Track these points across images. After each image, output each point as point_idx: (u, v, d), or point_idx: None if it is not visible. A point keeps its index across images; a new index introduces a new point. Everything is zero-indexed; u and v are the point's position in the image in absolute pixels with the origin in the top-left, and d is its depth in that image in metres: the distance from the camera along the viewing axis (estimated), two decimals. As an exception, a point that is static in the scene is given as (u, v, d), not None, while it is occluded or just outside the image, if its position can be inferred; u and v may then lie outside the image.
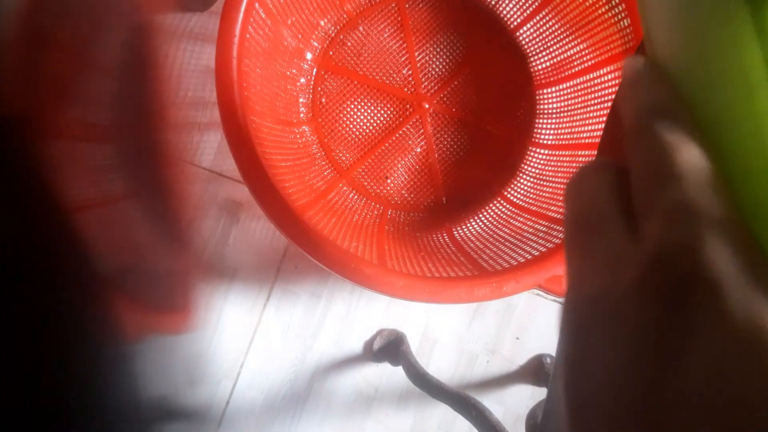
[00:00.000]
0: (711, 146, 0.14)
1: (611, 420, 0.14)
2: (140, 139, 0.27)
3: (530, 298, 0.72)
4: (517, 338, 0.72)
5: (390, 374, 0.70)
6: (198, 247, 0.65)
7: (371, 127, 0.63)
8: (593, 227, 0.16)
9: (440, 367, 0.71)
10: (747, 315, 0.12)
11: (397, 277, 0.45)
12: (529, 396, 0.73)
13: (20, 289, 0.22)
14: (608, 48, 0.56)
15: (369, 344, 0.69)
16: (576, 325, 0.15)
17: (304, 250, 0.44)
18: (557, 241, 0.50)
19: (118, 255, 0.25)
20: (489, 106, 0.64)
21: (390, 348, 0.68)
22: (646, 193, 0.14)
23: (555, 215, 0.55)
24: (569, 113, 0.62)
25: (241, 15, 0.47)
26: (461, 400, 0.55)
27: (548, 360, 0.72)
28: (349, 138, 0.63)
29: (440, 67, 0.64)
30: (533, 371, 0.72)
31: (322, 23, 0.61)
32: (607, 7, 0.55)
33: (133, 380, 0.25)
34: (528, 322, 0.72)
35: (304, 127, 0.61)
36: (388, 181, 0.63)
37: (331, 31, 0.62)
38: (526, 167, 0.63)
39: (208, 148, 0.67)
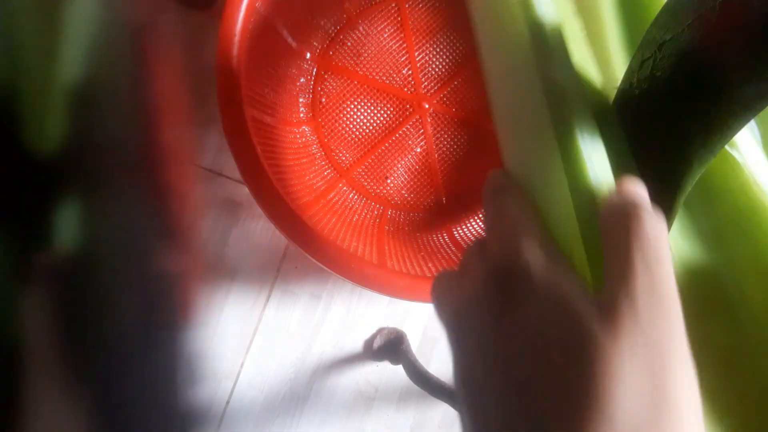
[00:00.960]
0: (534, 203, 0.22)
1: (485, 384, 0.19)
2: (139, 138, 0.27)
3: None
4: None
5: (390, 374, 0.70)
6: (198, 246, 0.65)
7: (371, 127, 0.63)
8: (463, 268, 0.23)
9: (441, 367, 0.70)
10: (549, 284, 0.19)
11: (398, 278, 0.45)
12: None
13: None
14: (608, 48, 0.56)
15: (369, 343, 0.69)
16: (453, 326, 0.22)
17: (304, 250, 0.44)
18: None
19: (116, 252, 0.25)
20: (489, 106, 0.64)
21: (390, 346, 0.68)
22: (489, 230, 0.23)
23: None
24: (569, 113, 0.61)
25: (241, 14, 0.47)
26: (462, 400, 0.55)
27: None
28: (349, 138, 0.63)
29: (440, 67, 0.64)
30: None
31: (322, 23, 0.61)
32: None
33: (131, 379, 0.25)
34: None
35: (303, 127, 0.61)
36: (388, 181, 0.63)
37: (331, 31, 0.62)
38: (526, 167, 0.63)
39: (208, 148, 0.67)
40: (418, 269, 0.50)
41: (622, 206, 0.19)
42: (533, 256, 0.19)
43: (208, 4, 0.65)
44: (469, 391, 0.20)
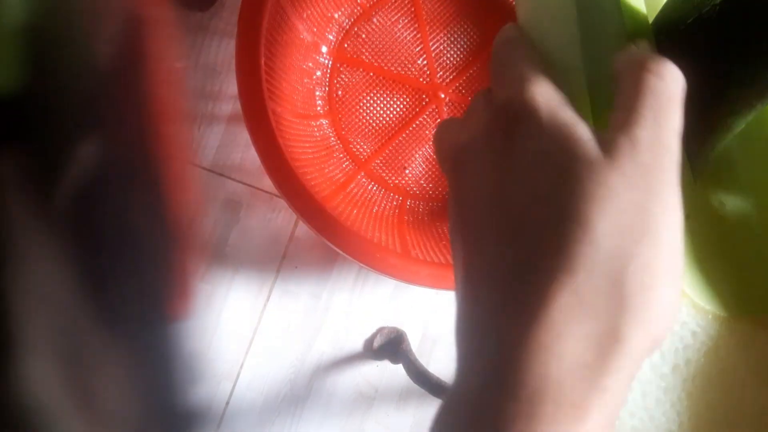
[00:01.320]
0: (540, 54, 0.22)
1: (479, 212, 0.20)
2: (137, 132, 0.27)
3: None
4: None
5: (390, 374, 0.70)
6: (197, 243, 0.65)
7: (388, 118, 0.63)
8: (467, 114, 0.23)
9: (440, 367, 0.70)
10: (553, 118, 0.19)
11: (423, 266, 0.45)
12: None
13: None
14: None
15: (369, 342, 0.69)
16: (453, 165, 0.22)
17: (330, 241, 0.44)
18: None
19: (109, 242, 0.25)
20: None
21: (390, 346, 0.68)
22: (494, 77, 0.22)
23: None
24: (585, 98, 0.61)
25: (260, 9, 0.47)
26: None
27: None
28: (366, 129, 0.63)
29: (455, 56, 0.64)
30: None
31: (336, 15, 0.62)
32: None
33: (131, 378, 0.25)
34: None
35: (321, 120, 0.62)
36: (406, 171, 0.63)
37: (345, 24, 0.62)
38: (543, 154, 0.63)
39: (208, 148, 0.67)
40: (441, 258, 0.50)
41: (642, 57, 0.19)
42: (539, 94, 0.19)
43: (208, 3, 0.66)
44: (462, 221, 0.21)
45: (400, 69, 0.63)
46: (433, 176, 0.64)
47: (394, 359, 0.67)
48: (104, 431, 0.24)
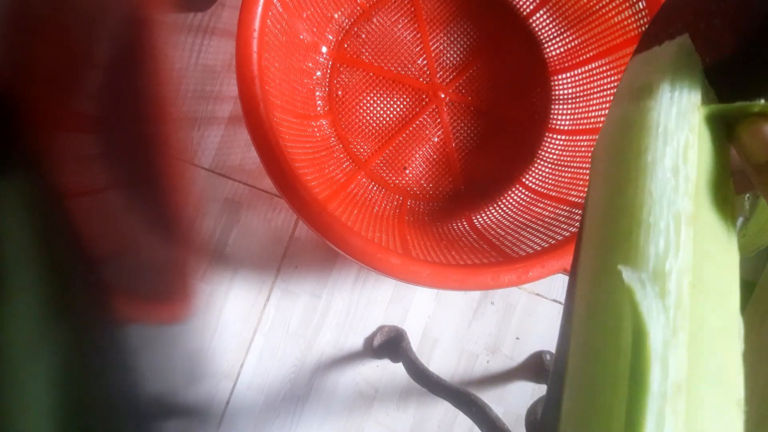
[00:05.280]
0: None
1: None
2: (137, 133, 0.27)
3: (530, 298, 0.72)
4: (517, 338, 0.72)
5: (390, 374, 0.70)
6: (197, 243, 0.65)
7: (388, 119, 0.63)
8: None
9: (440, 366, 0.71)
10: None
11: (423, 266, 0.45)
12: (529, 395, 0.72)
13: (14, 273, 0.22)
14: (623, 32, 0.56)
15: (369, 340, 0.69)
16: None
17: (331, 242, 0.44)
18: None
19: (109, 242, 0.25)
20: (505, 93, 0.64)
21: (390, 344, 0.68)
22: None
23: (576, 200, 0.55)
24: (585, 98, 0.62)
25: (260, 9, 0.47)
26: (461, 396, 0.55)
27: (548, 357, 0.71)
28: (367, 130, 0.63)
29: (455, 56, 0.64)
30: (533, 368, 0.72)
31: (336, 16, 0.62)
32: (622, -10, 0.54)
33: (132, 377, 0.25)
34: (528, 322, 0.72)
35: (321, 121, 0.62)
36: (407, 171, 0.63)
37: (345, 24, 0.62)
38: (543, 153, 0.64)
39: (208, 148, 0.67)
40: (442, 258, 0.50)
41: None
42: None
43: (207, 4, 0.66)
44: None
45: (400, 69, 0.63)
46: (434, 176, 0.64)
47: (395, 358, 0.67)
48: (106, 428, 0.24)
